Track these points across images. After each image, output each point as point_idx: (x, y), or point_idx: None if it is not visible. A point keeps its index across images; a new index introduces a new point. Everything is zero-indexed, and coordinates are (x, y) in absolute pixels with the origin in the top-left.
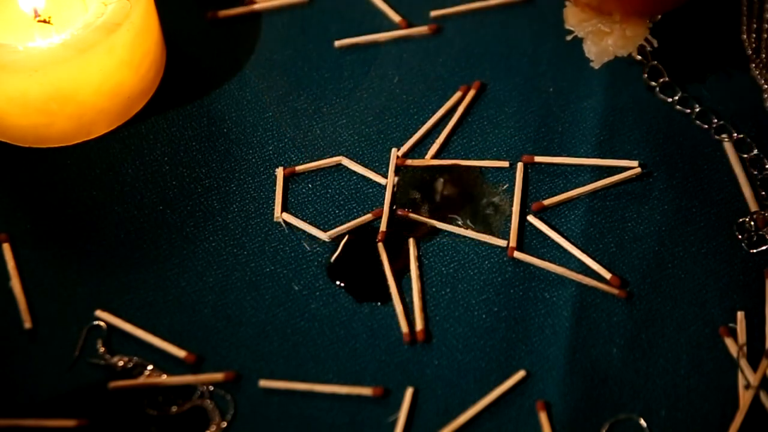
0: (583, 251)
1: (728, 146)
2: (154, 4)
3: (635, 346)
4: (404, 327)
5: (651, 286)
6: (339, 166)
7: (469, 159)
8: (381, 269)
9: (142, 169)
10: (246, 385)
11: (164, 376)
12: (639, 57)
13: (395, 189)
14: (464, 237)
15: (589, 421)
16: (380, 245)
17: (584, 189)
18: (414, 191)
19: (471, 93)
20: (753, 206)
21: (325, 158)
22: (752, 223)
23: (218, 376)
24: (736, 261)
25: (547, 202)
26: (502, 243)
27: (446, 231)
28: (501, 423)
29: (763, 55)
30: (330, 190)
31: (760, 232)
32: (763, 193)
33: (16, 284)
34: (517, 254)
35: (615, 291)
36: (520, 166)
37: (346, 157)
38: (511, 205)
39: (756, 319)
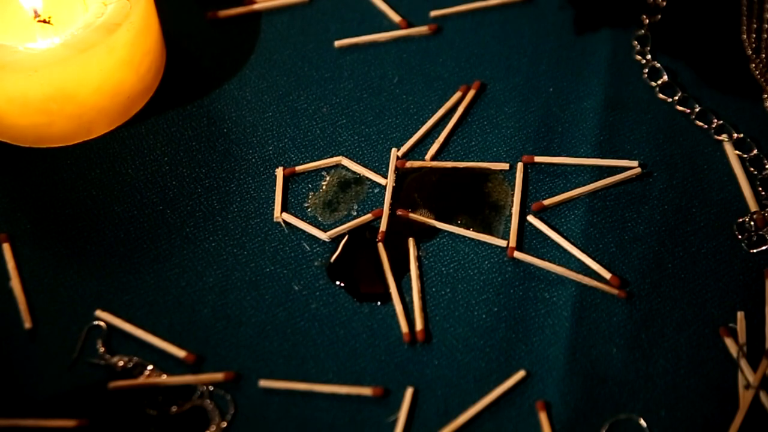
0: (583, 251)
1: (728, 146)
2: (154, 4)
3: (635, 346)
4: (404, 327)
5: (651, 286)
6: (339, 166)
7: (469, 159)
8: (381, 269)
9: (142, 169)
10: (246, 385)
11: (164, 376)
12: (639, 57)
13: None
14: (464, 237)
15: (589, 421)
16: (380, 245)
17: (584, 189)
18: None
19: (471, 93)
20: (753, 206)
21: (325, 158)
22: (752, 223)
23: (218, 376)
24: (736, 261)
25: (547, 202)
26: (502, 243)
27: (446, 231)
28: (501, 423)
29: (763, 55)
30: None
31: (760, 232)
32: (763, 193)
33: (16, 284)
34: (517, 254)
35: (615, 291)
36: (520, 166)
37: (346, 157)
38: (511, 206)
39: (756, 319)
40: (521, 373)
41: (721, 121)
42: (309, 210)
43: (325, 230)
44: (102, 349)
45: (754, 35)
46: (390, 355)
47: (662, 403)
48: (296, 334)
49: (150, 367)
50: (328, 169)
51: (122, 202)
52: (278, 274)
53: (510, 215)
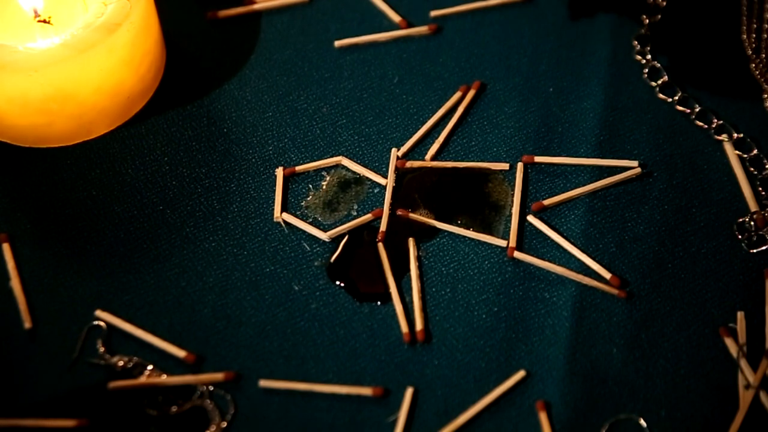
0: (583, 251)
1: (728, 146)
2: (154, 4)
3: (635, 346)
4: (404, 327)
5: (651, 286)
6: (339, 166)
7: (469, 159)
8: (381, 269)
9: (142, 169)
10: (246, 385)
11: (164, 376)
12: (639, 57)
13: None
14: (464, 237)
15: (589, 421)
16: (380, 245)
17: (584, 189)
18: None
19: (471, 93)
20: (753, 206)
21: (325, 158)
22: (752, 223)
23: (218, 376)
24: (736, 261)
25: (547, 202)
26: (502, 243)
27: (446, 231)
28: (501, 423)
29: (763, 55)
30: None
31: (760, 232)
32: (763, 193)
33: (16, 284)
34: (517, 254)
35: (615, 291)
36: (520, 166)
37: (346, 157)
38: (511, 206)
39: (756, 319)
40: (521, 373)
41: (721, 121)
42: (309, 210)
43: (325, 230)
44: (102, 349)
45: (754, 35)
46: (390, 355)
47: (662, 403)
48: (296, 334)
49: (150, 367)
50: (328, 169)
51: (122, 202)
52: (278, 274)
53: (510, 215)
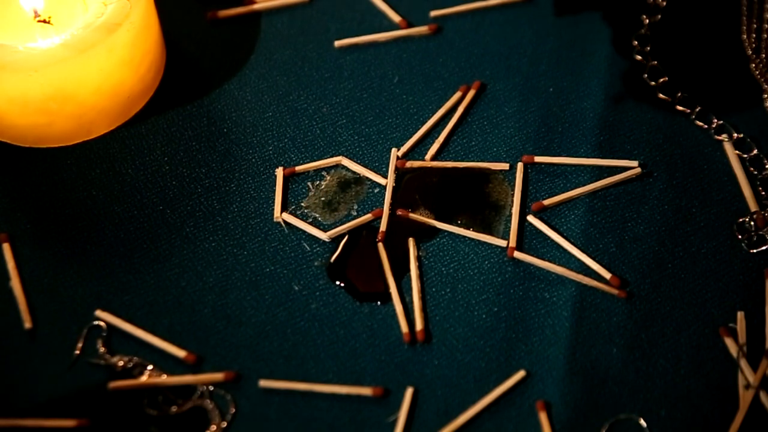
0: (583, 251)
1: (728, 146)
2: (154, 4)
3: (635, 346)
4: (404, 327)
5: (651, 286)
6: (339, 166)
7: (469, 159)
8: (381, 269)
9: (142, 169)
10: (246, 385)
11: (164, 376)
12: (639, 57)
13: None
14: (464, 237)
15: (589, 421)
16: (380, 245)
17: (584, 189)
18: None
19: (471, 93)
20: (753, 206)
21: (325, 158)
22: (752, 223)
23: (218, 376)
24: (736, 261)
25: (547, 202)
26: (502, 243)
27: (446, 231)
28: (501, 423)
29: (763, 55)
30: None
31: (760, 232)
32: (763, 193)
33: (16, 284)
34: (517, 254)
35: (615, 291)
36: (520, 166)
37: (346, 157)
38: (511, 206)
39: (756, 319)
40: (521, 373)
41: (721, 121)
42: (309, 210)
43: (325, 230)
44: (102, 349)
45: (754, 35)
46: (390, 355)
47: (662, 403)
48: (296, 334)
49: (150, 367)
50: (328, 169)
51: (122, 202)
52: (278, 274)
53: (510, 215)
